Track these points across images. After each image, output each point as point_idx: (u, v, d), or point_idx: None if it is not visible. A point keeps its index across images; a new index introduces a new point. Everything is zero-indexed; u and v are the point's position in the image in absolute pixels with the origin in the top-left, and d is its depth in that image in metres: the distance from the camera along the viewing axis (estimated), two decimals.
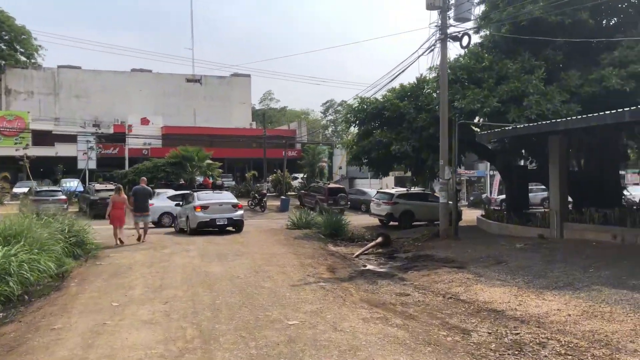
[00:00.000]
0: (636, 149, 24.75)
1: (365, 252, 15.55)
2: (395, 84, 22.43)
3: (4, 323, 7.64)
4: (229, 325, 7.03)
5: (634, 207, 22.42)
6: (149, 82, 59.82)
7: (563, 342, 6.41)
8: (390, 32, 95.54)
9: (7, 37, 55.71)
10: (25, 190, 31.93)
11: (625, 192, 23.35)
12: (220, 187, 34.12)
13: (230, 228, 18.63)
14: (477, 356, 5.95)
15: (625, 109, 10.89)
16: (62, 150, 45.00)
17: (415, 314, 7.95)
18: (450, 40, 15.83)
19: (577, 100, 15.83)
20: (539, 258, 12.03)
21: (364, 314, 7.73)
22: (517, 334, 6.84)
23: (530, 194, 25.07)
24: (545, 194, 32.37)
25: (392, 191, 25.66)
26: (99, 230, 15.21)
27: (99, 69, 59.67)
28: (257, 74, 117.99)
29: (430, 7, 15.40)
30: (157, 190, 24.63)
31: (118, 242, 15.25)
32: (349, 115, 20.82)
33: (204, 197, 19.25)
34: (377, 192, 27.69)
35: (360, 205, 31.51)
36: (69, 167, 42.00)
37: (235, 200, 19.51)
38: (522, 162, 25.64)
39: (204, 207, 18.22)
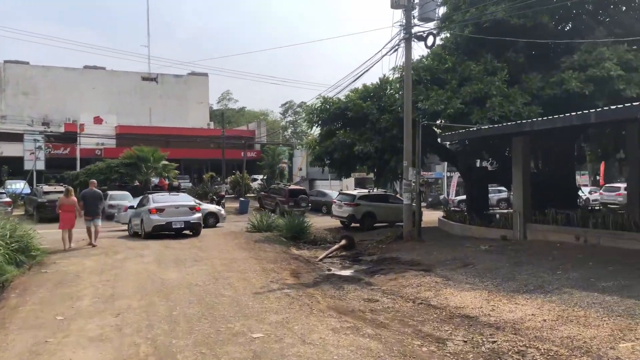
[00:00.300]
0: (589, 151, 25.41)
1: (329, 255, 15.21)
2: (359, 85, 22.21)
3: None
4: (188, 340, 6.43)
5: (589, 208, 22.99)
6: (102, 80, 57.62)
7: (542, 350, 6.15)
8: (354, 34, 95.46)
9: None
10: None
11: (579, 193, 23.94)
12: (177, 189, 33.14)
13: (187, 232, 17.92)
14: None
15: (591, 111, 10.91)
16: (8, 150, 42.69)
17: (386, 322, 7.58)
18: (415, 40, 15.66)
19: (538, 102, 15.95)
20: (505, 260, 11.91)
21: (333, 323, 7.29)
22: (494, 342, 6.55)
23: None
24: (501, 195, 33.06)
25: (354, 192, 25.46)
26: (46, 235, 14.28)
27: (49, 64, 57.07)
28: (215, 72, 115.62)
29: (395, 5, 15.16)
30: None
31: (67, 247, 14.40)
32: (311, 115, 20.40)
33: (159, 199, 18.45)
34: (339, 193, 27.43)
35: (321, 206, 31.18)
36: (15, 168, 39.84)
37: (192, 203, 18.77)
38: (481, 164, 25.92)
39: (159, 210, 17.42)
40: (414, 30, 15.62)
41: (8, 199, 27.53)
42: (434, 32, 15.88)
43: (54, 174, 39.10)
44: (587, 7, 18.38)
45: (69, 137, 44.81)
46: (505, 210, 25.03)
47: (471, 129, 15.10)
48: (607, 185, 34.52)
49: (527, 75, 16.65)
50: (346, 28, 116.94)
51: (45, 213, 23.72)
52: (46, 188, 27.38)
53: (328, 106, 19.77)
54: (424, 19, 15.73)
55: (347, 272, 12.69)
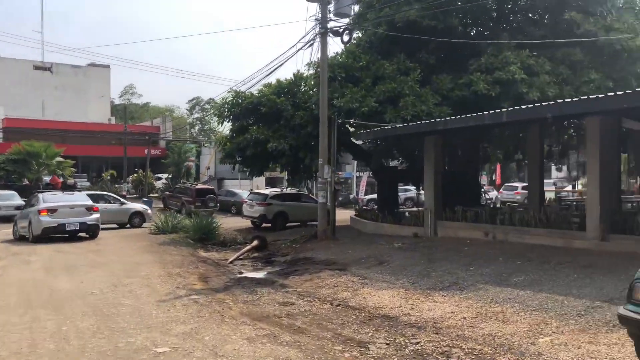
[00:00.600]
0: (492, 153, 26.68)
1: (240, 257, 14.53)
2: (272, 79, 21.59)
3: None
4: None
5: (491, 206, 24.10)
6: None
7: (467, 350, 5.98)
8: (266, 25, 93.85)
9: None
10: None
11: (482, 192, 25.09)
12: (73, 188, 30.57)
13: (83, 234, 16.37)
14: None
15: (502, 110, 11.19)
16: None
17: (304, 327, 7.12)
18: (331, 35, 15.40)
19: (448, 103, 16.31)
20: (418, 257, 11.94)
21: (248, 331, 6.69)
22: (417, 343, 6.31)
23: None
24: (408, 193, 34.07)
25: (266, 192, 24.83)
26: None
27: None
28: (116, 62, 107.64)
29: None
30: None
31: None
32: (222, 109, 19.47)
33: (51, 198, 16.75)
34: (250, 192, 26.64)
35: (231, 207, 30.16)
36: None
37: (89, 202, 17.14)
38: (392, 163, 26.35)
39: (51, 211, 15.75)
40: (330, 25, 15.36)
41: None
42: (350, 27, 15.70)
43: None
44: (492, 15, 19.21)
45: None
46: (414, 209, 25.63)
47: (387, 128, 15.10)
48: (506, 184, 36.78)
49: (437, 77, 16.98)
50: (261, 21, 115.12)
51: None
52: None
53: (240, 100, 18.96)
54: (340, 14, 15.53)
55: (259, 275, 12.12)
